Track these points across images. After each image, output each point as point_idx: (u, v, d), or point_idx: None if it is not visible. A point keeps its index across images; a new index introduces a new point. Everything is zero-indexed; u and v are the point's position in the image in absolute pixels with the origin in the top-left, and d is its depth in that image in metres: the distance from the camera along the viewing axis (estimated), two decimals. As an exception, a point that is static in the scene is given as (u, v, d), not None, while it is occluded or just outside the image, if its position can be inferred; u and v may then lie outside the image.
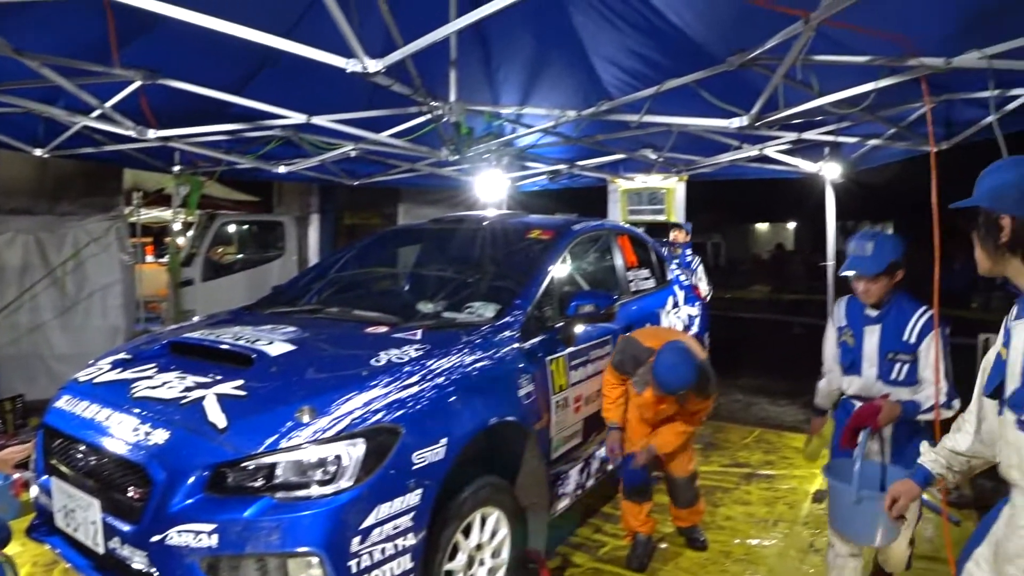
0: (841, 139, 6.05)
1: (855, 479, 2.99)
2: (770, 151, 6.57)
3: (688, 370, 3.81)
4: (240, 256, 11.34)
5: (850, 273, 3.31)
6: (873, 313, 3.40)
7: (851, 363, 3.49)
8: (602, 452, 4.59)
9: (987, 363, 2.07)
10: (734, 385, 9.03)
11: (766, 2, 3.51)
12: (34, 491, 3.39)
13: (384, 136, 6.05)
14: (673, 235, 7.35)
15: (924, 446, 2.44)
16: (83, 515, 2.99)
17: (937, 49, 3.77)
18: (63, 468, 3.19)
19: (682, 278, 6.38)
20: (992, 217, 1.91)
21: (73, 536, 3.10)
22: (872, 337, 3.41)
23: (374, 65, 3.68)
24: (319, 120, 5.62)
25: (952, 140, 5.42)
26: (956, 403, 3.17)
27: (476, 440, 3.27)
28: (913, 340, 3.28)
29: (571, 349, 4.22)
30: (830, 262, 7.06)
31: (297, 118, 5.55)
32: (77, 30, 4.12)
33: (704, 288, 7.31)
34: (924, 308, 3.30)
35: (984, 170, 2.01)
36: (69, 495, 3.09)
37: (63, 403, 3.41)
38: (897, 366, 3.34)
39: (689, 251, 7.36)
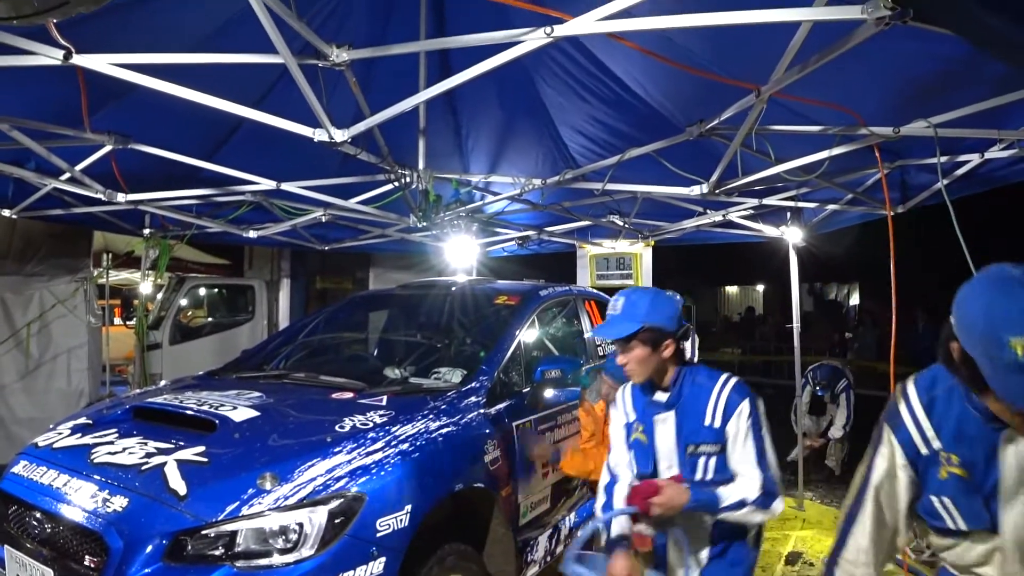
0: (801, 204, 6.20)
1: None
2: (733, 216, 6.72)
3: None
4: (209, 319, 11.24)
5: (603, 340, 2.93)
6: (662, 398, 2.71)
7: (649, 466, 2.73)
8: (572, 518, 4.57)
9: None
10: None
11: (720, 76, 3.65)
12: (-14, 561, 3.30)
13: (353, 203, 6.12)
14: None
15: None
16: (37, 586, 2.92)
17: (886, 119, 3.92)
18: (17, 536, 3.11)
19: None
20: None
21: (25, 608, 3.01)
22: (665, 428, 2.70)
23: (340, 135, 3.77)
24: (288, 186, 5.69)
25: (908, 204, 5.59)
26: (779, 504, 2.54)
27: (442, 507, 3.26)
28: (717, 423, 2.58)
29: (539, 414, 4.23)
30: (796, 324, 7.16)
31: (267, 184, 5.62)
32: (48, 94, 4.15)
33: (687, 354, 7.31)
34: (725, 377, 2.66)
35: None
36: (23, 564, 3.00)
37: (20, 468, 3.33)
38: (702, 461, 2.61)
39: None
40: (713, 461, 2.60)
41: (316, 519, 2.74)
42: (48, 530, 2.99)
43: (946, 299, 1.75)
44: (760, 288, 32.90)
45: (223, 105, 3.62)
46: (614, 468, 2.89)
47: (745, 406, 2.58)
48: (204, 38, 3.93)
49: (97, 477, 2.99)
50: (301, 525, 2.71)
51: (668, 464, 2.68)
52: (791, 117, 4.15)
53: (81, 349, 8.07)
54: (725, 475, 2.59)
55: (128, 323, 10.94)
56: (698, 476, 2.61)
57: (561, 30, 2.94)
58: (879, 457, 1.90)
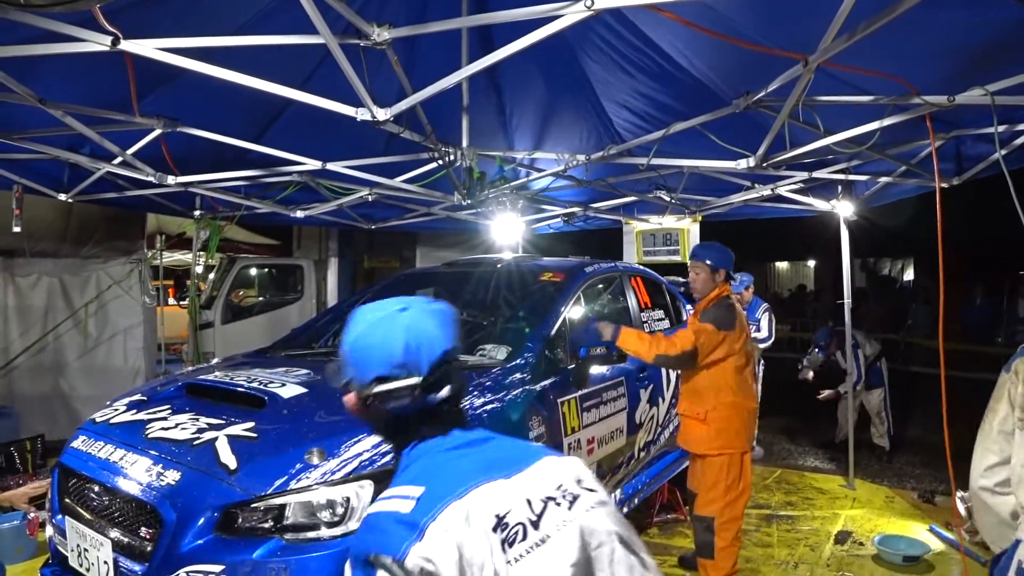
0: (852, 177, 6.06)
1: None
2: (782, 190, 6.59)
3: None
4: (260, 299, 11.43)
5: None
6: None
7: None
8: (618, 494, 4.57)
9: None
10: (753, 425, 8.94)
11: (766, 47, 3.56)
12: (49, 530, 3.43)
13: (398, 181, 6.16)
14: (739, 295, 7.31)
15: None
16: (95, 555, 3.02)
17: (940, 88, 3.80)
18: (77, 508, 3.23)
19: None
20: None
21: (86, 576, 3.13)
22: None
23: (383, 114, 3.79)
24: (334, 166, 5.75)
25: (963, 176, 5.41)
26: None
27: (486, 482, 3.27)
28: None
29: (584, 391, 4.23)
30: (847, 300, 7.02)
31: (312, 164, 5.69)
32: (99, 81, 4.25)
33: (763, 334, 7.43)
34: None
35: None
36: (82, 535, 3.11)
37: (79, 443, 3.45)
38: None
39: (761, 307, 7.41)
40: None
41: (363, 494, 2.78)
42: (105, 502, 3.09)
43: (1007, 274, 1.78)
44: (811, 264, 32.33)
45: (268, 87, 3.67)
46: None
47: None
48: (247, 22, 3.96)
49: (151, 452, 3.08)
50: (348, 499, 2.76)
51: None
52: (840, 87, 4.04)
53: (137, 329, 8.31)
54: None
55: (181, 303, 11.22)
56: None
57: (600, 2, 2.90)
58: None
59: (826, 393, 7.85)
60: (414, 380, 1.50)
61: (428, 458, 1.49)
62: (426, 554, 1.26)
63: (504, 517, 1.34)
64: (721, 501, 4.12)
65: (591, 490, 1.45)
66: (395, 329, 1.52)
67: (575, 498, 1.42)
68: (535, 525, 1.35)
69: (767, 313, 7.43)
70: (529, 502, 1.38)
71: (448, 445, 1.50)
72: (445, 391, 1.53)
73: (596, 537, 1.38)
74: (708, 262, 4.30)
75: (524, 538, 1.33)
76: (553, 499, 1.40)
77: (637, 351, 4.16)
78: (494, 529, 1.32)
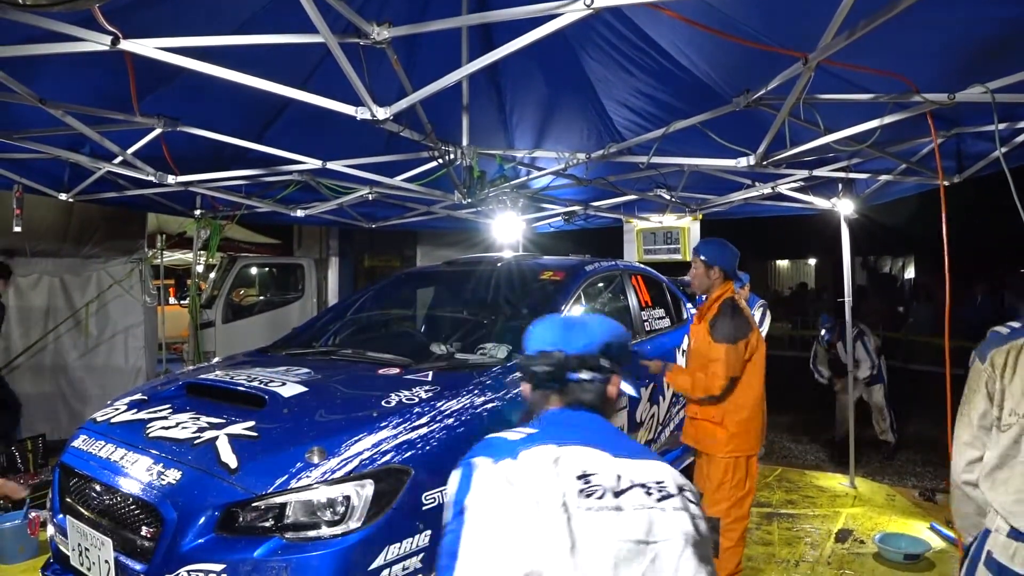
0: (853, 175, 6.05)
1: None
2: (783, 188, 6.58)
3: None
4: (260, 298, 11.44)
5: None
6: None
7: None
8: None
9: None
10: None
11: (766, 45, 3.56)
12: (50, 530, 3.43)
13: (398, 180, 6.16)
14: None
15: None
16: (96, 554, 3.02)
17: (940, 85, 3.80)
18: (78, 507, 3.24)
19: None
20: None
21: (87, 575, 3.14)
22: None
23: (382, 112, 3.79)
24: (334, 165, 5.75)
25: (964, 174, 5.40)
26: None
27: (487, 480, 3.27)
28: None
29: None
30: (848, 298, 7.02)
31: (313, 163, 5.69)
32: (99, 80, 4.25)
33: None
34: None
35: None
36: (83, 534, 3.12)
37: (80, 443, 3.46)
38: None
39: (758, 303, 7.41)
40: None
41: (363, 492, 2.78)
42: (106, 501, 3.10)
43: (1007, 272, 1.81)
44: (812, 262, 32.31)
45: (268, 86, 3.67)
46: None
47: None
48: (246, 21, 3.97)
49: (152, 451, 3.08)
50: (348, 498, 2.76)
51: None
52: (840, 85, 4.04)
53: (137, 328, 8.33)
54: None
55: (182, 302, 11.22)
56: None
57: (600, 1, 2.90)
58: None
59: (841, 383, 7.83)
60: (559, 356, 1.84)
61: (553, 418, 1.79)
62: (512, 470, 1.56)
63: (590, 475, 1.55)
64: (727, 502, 4.08)
65: (690, 500, 1.59)
66: (555, 322, 1.96)
67: (667, 496, 1.56)
68: (615, 495, 1.54)
69: (762, 310, 7.42)
70: (619, 477, 1.56)
71: (574, 418, 1.78)
72: (584, 374, 1.83)
73: (669, 532, 1.52)
74: (703, 257, 4.27)
75: (601, 498, 1.53)
76: (644, 486, 1.56)
77: (684, 391, 4.26)
78: (577, 478, 1.54)
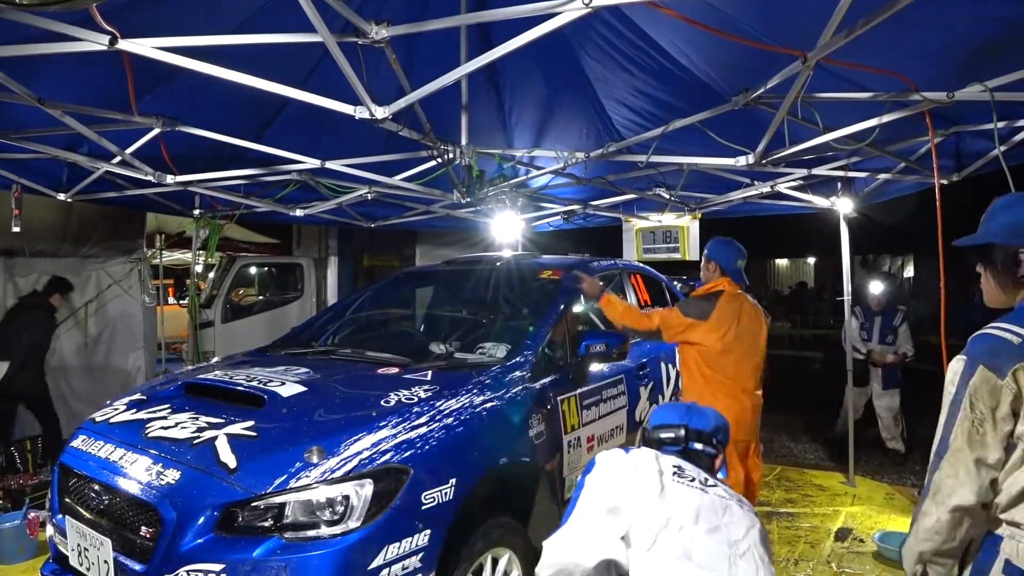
0: (852, 174, 6.05)
1: None
2: (782, 187, 6.59)
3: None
4: (260, 298, 11.44)
5: None
6: None
7: None
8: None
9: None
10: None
11: (765, 44, 3.56)
12: (49, 530, 3.43)
13: (397, 180, 6.16)
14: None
15: None
16: (96, 554, 3.02)
17: (939, 84, 3.80)
18: (78, 507, 3.23)
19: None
20: (1010, 252, 1.99)
21: (86, 575, 3.13)
22: None
23: (381, 112, 3.79)
24: (333, 165, 5.75)
25: (962, 172, 5.40)
26: None
27: (486, 480, 3.28)
28: None
29: (584, 388, 4.23)
30: (847, 297, 7.03)
31: (311, 163, 5.69)
32: (98, 80, 4.25)
33: None
34: None
35: (992, 205, 2.08)
36: (83, 534, 3.11)
37: (79, 443, 3.46)
38: None
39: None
40: None
41: (362, 492, 2.78)
42: (106, 501, 3.09)
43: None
44: (811, 261, 32.35)
45: (267, 86, 3.67)
46: None
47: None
48: (244, 20, 3.96)
49: (151, 451, 3.08)
50: (347, 497, 2.76)
51: None
52: (839, 84, 4.04)
53: (136, 328, 8.32)
54: None
55: (181, 302, 11.22)
56: None
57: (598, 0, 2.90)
58: None
59: (891, 357, 7.59)
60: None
61: None
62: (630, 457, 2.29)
63: (684, 469, 2.24)
64: None
65: (761, 531, 2.13)
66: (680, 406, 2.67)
67: (742, 503, 2.21)
68: (703, 483, 2.18)
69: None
70: (706, 480, 2.22)
71: None
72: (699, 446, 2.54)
73: (739, 533, 2.07)
74: (707, 252, 4.54)
75: (691, 482, 2.16)
76: (727, 491, 2.20)
77: (611, 316, 4.49)
78: (673, 465, 2.24)
